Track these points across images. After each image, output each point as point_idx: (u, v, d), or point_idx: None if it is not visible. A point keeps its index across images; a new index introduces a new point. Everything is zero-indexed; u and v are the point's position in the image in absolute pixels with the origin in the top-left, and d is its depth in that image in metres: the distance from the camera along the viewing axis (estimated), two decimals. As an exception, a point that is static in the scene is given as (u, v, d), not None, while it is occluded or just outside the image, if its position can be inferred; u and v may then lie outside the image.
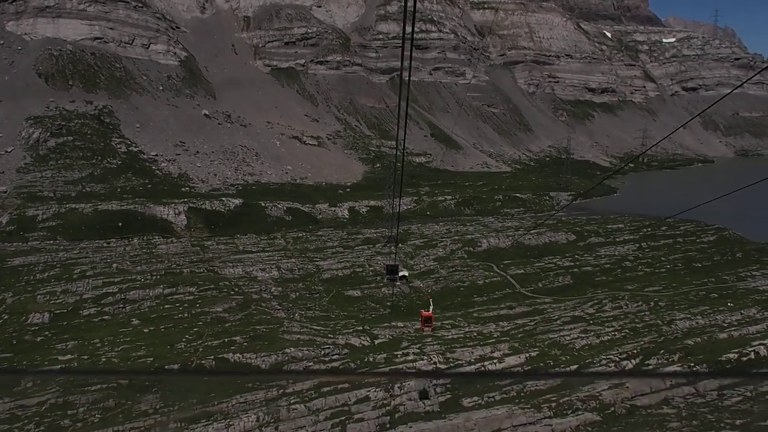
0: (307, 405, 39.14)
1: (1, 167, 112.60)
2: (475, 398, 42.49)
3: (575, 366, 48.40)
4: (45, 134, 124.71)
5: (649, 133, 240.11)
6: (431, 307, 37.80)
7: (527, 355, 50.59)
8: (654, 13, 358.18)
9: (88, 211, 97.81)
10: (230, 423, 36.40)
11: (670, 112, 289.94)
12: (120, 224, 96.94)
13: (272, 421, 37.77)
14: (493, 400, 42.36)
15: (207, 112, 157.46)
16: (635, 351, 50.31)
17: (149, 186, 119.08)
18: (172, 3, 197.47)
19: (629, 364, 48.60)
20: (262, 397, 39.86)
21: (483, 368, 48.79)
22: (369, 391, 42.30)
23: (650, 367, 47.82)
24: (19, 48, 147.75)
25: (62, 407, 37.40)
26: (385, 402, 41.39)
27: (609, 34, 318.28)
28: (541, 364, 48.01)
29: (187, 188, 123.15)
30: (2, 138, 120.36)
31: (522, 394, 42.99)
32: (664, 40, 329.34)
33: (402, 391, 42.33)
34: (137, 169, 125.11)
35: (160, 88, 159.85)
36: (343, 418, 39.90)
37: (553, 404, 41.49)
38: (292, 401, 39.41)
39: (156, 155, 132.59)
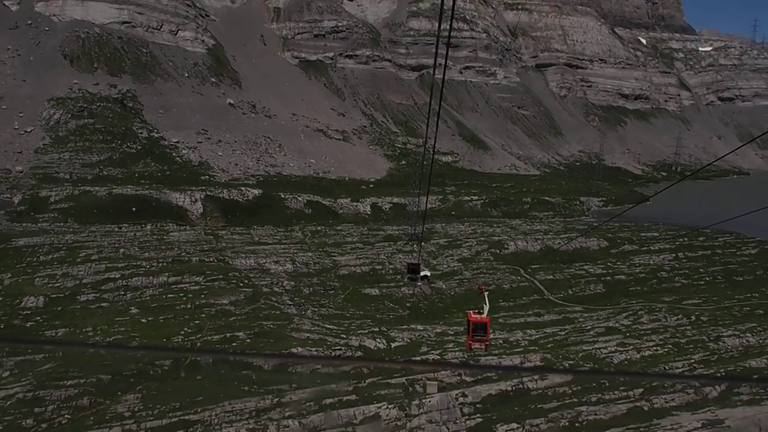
0: (302, 421, 32.18)
1: (19, 147, 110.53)
2: (514, 425, 34.28)
3: (639, 390, 39.57)
4: (66, 116, 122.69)
5: (683, 143, 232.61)
6: (487, 307, 22.88)
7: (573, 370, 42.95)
8: (689, 24, 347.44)
9: (102, 195, 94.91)
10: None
11: (705, 122, 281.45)
12: (134, 209, 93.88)
13: None
14: (537, 429, 34.24)
15: (232, 101, 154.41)
16: (718, 374, 41.58)
17: (168, 173, 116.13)
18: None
19: (713, 392, 39.91)
20: (253, 406, 33.71)
21: (521, 386, 40.16)
22: (380, 407, 35.40)
23: (745, 397, 38.75)
24: (47, 29, 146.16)
25: (30, 403, 33.06)
26: (399, 423, 34.02)
27: (644, 41, 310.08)
28: (594, 384, 39.19)
29: (207, 177, 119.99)
30: (23, 117, 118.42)
31: (577, 424, 34.36)
32: (701, 49, 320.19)
33: (421, 410, 35.20)
34: (157, 155, 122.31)
35: (186, 74, 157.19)
36: (344, 442, 32.51)
37: (628, 445, 31.51)
38: (285, 414, 32.87)
39: (177, 142, 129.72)
